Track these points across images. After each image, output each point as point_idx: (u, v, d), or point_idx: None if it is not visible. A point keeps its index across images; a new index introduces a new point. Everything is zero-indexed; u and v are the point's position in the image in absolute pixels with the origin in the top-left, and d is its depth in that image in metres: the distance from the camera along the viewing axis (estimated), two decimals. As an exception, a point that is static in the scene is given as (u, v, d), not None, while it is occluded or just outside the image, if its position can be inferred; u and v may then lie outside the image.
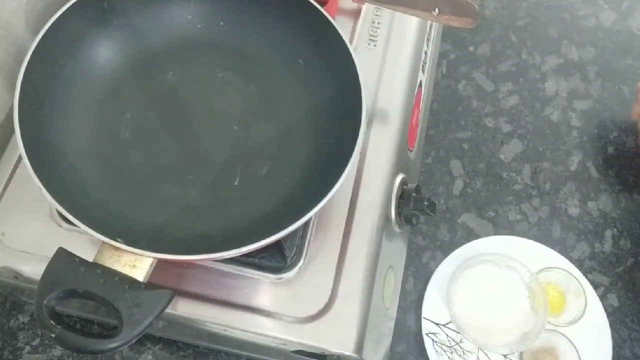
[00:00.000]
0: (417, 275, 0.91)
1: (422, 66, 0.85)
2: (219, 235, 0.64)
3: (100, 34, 0.71)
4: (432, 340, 0.86)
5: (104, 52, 0.71)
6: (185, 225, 0.66)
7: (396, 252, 0.81)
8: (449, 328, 0.87)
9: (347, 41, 0.67)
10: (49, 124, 0.66)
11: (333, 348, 0.65)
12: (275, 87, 0.72)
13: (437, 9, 0.67)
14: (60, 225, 0.69)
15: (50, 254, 0.58)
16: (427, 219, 0.94)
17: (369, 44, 0.80)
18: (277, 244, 0.65)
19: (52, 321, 0.55)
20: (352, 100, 0.64)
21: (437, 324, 0.87)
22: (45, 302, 0.55)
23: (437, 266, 0.90)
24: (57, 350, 0.80)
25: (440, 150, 0.99)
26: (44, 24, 0.65)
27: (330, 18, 0.68)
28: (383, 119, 0.75)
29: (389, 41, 0.80)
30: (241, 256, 0.63)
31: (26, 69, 0.63)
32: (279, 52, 0.72)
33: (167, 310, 0.58)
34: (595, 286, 0.89)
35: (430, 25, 0.90)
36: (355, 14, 0.81)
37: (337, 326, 0.65)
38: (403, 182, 0.75)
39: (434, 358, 0.85)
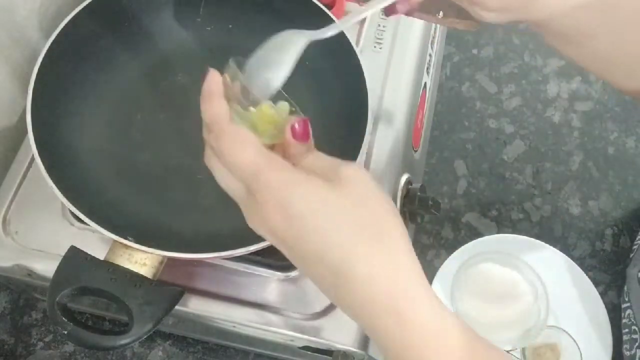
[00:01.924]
0: (422, 273, 0.91)
1: (427, 68, 0.86)
2: (228, 233, 0.65)
3: (111, 37, 0.71)
4: (436, 337, 0.86)
5: (115, 55, 0.72)
6: (194, 224, 0.66)
7: (401, 250, 0.81)
8: (452, 325, 0.87)
9: (353, 44, 0.67)
10: (61, 125, 0.67)
11: (339, 344, 0.65)
12: (282, 88, 0.72)
13: (441, 12, 0.68)
14: (72, 224, 0.70)
15: (63, 252, 0.59)
16: (432, 218, 0.95)
17: (374, 47, 0.80)
18: (285, 243, 0.65)
19: (64, 318, 0.56)
20: (358, 101, 0.65)
21: (440, 321, 0.87)
22: (57, 299, 0.56)
23: (441, 264, 0.90)
24: (69, 347, 0.81)
25: (445, 150, 1.00)
26: (57, 27, 0.66)
27: (337, 20, 0.68)
28: (388, 120, 0.76)
29: (394, 44, 0.81)
30: (249, 254, 0.63)
31: (39, 71, 0.64)
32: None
33: (177, 307, 0.59)
34: (596, 284, 0.89)
35: (435, 29, 0.90)
36: (362, 17, 0.82)
37: (343, 322, 0.66)
38: (408, 182, 0.76)
39: (437, 354, 0.85)
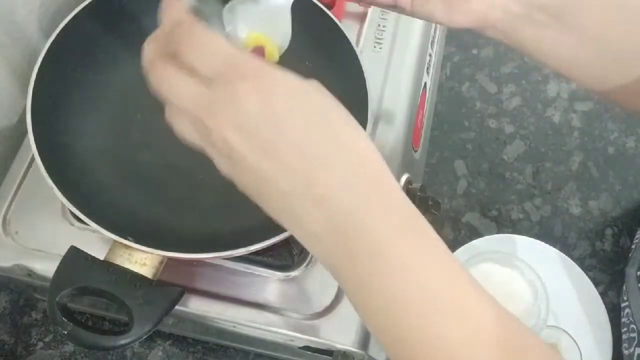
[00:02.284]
0: (421, 274, 0.91)
1: (427, 68, 0.86)
2: (228, 234, 0.65)
3: (111, 37, 0.71)
4: (436, 337, 0.86)
5: (115, 54, 0.72)
6: (195, 224, 0.66)
7: (401, 250, 0.81)
8: (452, 325, 0.87)
9: (353, 44, 0.67)
10: (61, 125, 0.67)
11: (339, 344, 0.65)
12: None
13: None
14: (72, 224, 0.70)
15: (63, 252, 0.59)
16: (432, 218, 0.94)
17: (374, 47, 0.80)
18: (285, 243, 0.64)
19: (64, 318, 0.56)
20: (358, 101, 0.65)
21: (440, 321, 0.87)
22: (57, 299, 0.56)
23: (441, 264, 0.90)
24: (69, 347, 0.81)
25: (445, 150, 1.00)
26: (57, 27, 0.66)
27: (337, 21, 0.68)
28: (388, 120, 0.76)
29: (394, 44, 0.81)
30: (250, 254, 0.63)
31: (39, 71, 0.64)
32: (287, 53, 0.73)
33: (177, 307, 0.59)
34: (596, 284, 0.89)
35: (435, 28, 0.90)
36: (362, 17, 0.82)
37: (343, 322, 0.66)
38: (408, 182, 0.75)
39: (437, 354, 0.85)
